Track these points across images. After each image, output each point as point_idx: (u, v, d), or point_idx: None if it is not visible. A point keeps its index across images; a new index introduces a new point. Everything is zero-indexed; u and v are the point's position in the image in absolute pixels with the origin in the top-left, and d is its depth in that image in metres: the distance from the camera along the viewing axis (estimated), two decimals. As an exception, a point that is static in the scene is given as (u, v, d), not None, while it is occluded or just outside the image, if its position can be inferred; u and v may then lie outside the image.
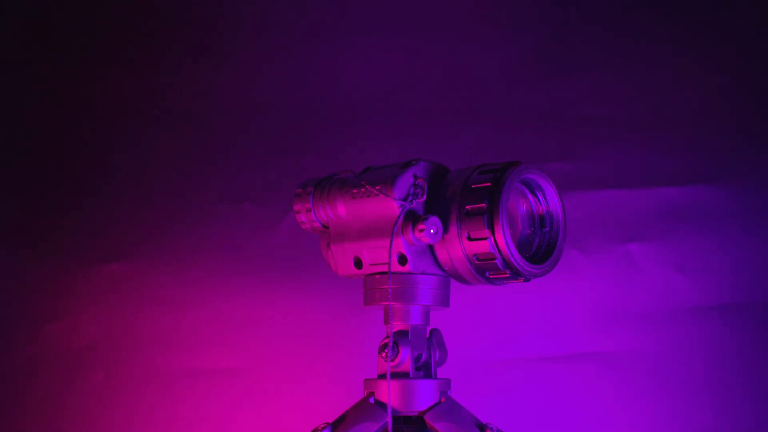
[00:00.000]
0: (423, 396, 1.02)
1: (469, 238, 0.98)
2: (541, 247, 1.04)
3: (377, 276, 1.04)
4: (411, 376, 1.02)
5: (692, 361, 1.54)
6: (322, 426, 1.03)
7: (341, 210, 1.07)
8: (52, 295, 1.57)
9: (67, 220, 1.58)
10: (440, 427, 1.00)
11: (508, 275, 1.00)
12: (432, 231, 0.99)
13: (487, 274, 1.00)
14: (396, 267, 1.02)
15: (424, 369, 1.04)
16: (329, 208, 1.08)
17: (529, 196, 1.04)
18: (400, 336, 1.03)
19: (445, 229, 1.00)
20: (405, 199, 1.01)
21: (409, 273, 1.02)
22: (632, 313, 1.55)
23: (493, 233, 0.97)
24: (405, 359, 1.02)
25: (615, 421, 1.54)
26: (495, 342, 1.56)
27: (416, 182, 1.02)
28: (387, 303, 1.03)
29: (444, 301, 1.05)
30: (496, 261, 0.98)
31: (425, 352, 1.04)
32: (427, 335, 1.06)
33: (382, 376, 1.03)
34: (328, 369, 1.55)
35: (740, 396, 1.53)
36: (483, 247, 0.97)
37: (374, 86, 1.61)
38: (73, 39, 1.62)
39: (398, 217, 1.01)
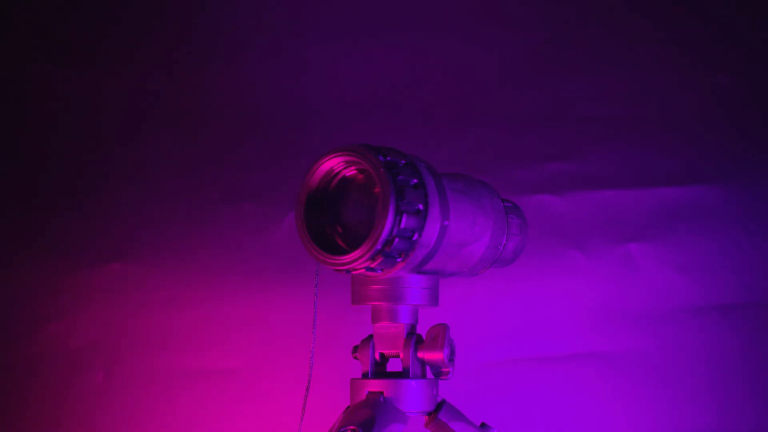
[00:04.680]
0: (353, 395, 1.01)
1: None
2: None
3: (360, 276, 1.02)
4: (361, 376, 1.01)
5: (692, 361, 1.54)
6: (350, 429, 1.01)
7: None
8: (52, 295, 1.57)
9: (67, 220, 1.58)
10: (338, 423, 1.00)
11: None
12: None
13: None
14: None
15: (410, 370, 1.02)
16: None
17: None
18: (365, 338, 1.03)
19: None
20: None
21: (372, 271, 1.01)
22: (632, 313, 1.55)
23: None
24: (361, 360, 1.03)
25: (615, 421, 1.54)
26: (495, 342, 1.56)
27: None
28: (372, 303, 1.02)
29: (431, 300, 1.01)
30: None
31: (402, 352, 1.01)
32: (412, 334, 1.01)
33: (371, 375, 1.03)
34: (328, 369, 1.54)
35: (740, 396, 1.53)
36: None
37: (374, 86, 1.61)
38: (73, 39, 1.62)
39: None
